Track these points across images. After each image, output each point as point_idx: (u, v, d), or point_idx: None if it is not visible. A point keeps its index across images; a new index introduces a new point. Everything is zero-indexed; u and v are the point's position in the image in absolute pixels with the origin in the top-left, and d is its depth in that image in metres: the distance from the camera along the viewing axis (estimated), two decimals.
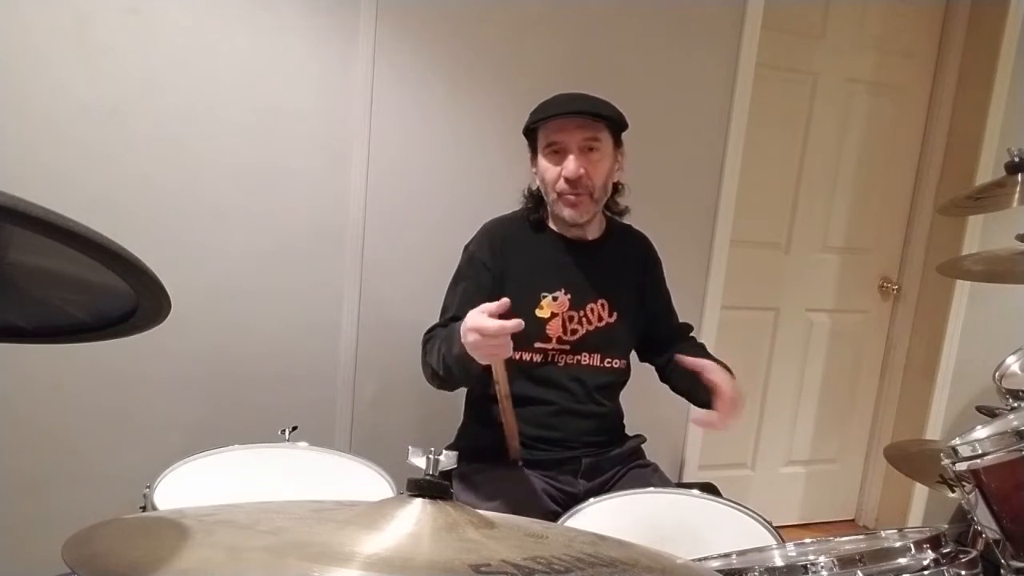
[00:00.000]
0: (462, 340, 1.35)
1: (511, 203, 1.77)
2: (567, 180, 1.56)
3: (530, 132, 1.65)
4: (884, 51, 2.82)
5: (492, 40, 2.18)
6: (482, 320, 1.31)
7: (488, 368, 1.47)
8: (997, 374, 2.05)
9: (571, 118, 1.56)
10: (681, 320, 1.86)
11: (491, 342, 1.32)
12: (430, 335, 1.60)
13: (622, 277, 1.71)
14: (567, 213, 1.61)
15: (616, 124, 1.61)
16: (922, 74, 2.90)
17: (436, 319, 1.68)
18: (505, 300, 1.34)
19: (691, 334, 1.85)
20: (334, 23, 2.03)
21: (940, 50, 2.88)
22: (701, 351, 1.73)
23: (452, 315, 1.62)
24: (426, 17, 2.11)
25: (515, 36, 2.20)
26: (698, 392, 1.57)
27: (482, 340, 1.32)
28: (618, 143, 1.64)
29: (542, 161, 1.62)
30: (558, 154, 1.58)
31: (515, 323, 1.30)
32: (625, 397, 1.79)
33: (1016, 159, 1.93)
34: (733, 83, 2.46)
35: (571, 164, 1.55)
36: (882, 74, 2.84)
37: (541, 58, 2.23)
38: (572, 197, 1.59)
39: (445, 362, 1.45)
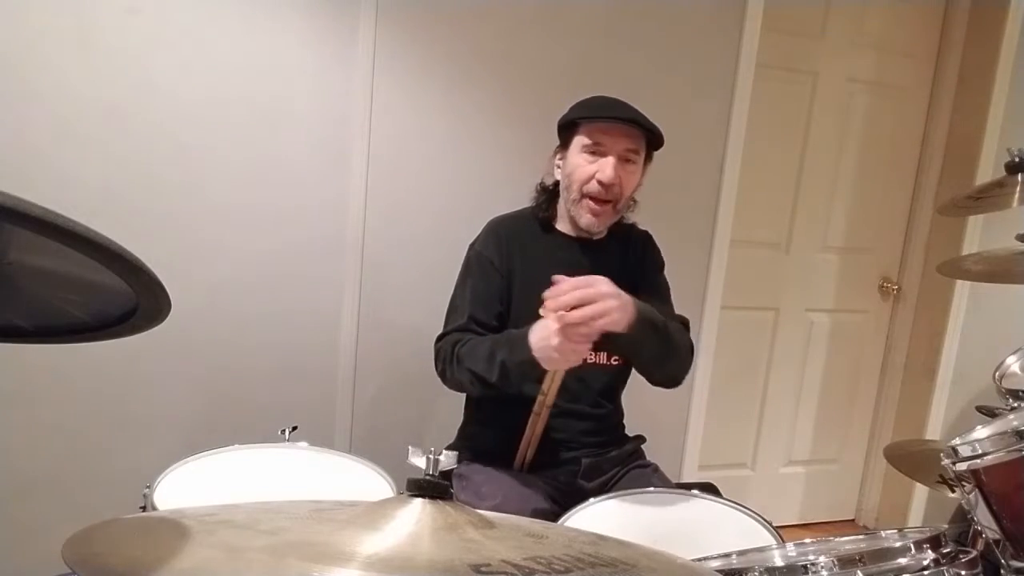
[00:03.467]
0: (531, 345, 1.36)
1: (511, 202, 1.76)
2: (600, 183, 1.54)
3: (566, 125, 1.62)
4: (884, 51, 2.82)
5: (492, 40, 2.18)
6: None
7: (541, 377, 1.47)
8: (997, 374, 2.05)
9: (620, 124, 1.54)
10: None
11: (577, 346, 1.34)
12: (456, 340, 1.56)
13: (624, 275, 1.68)
14: (586, 220, 1.59)
15: (655, 142, 1.60)
16: (922, 74, 2.90)
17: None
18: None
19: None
20: (334, 23, 2.03)
21: (940, 50, 2.88)
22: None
23: (468, 315, 1.59)
24: (426, 17, 2.11)
25: (515, 36, 2.20)
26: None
27: (566, 343, 1.33)
28: (648, 160, 1.63)
29: (575, 158, 1.58)
30: (596, 155, 1.56)
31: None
32: (625, 397, 1.79)
33: (1016, 159, 1.93)
34: (733, 83, 2.46)
35: (609, 169, 1.53)
36: (882, 74, 2.84)
37: (541, 58, 2.23)
38: (597, 205, 1.57)
39: (504, 368, 1.43)
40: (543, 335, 1.36)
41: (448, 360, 1.56)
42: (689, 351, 1.61)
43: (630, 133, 1.55)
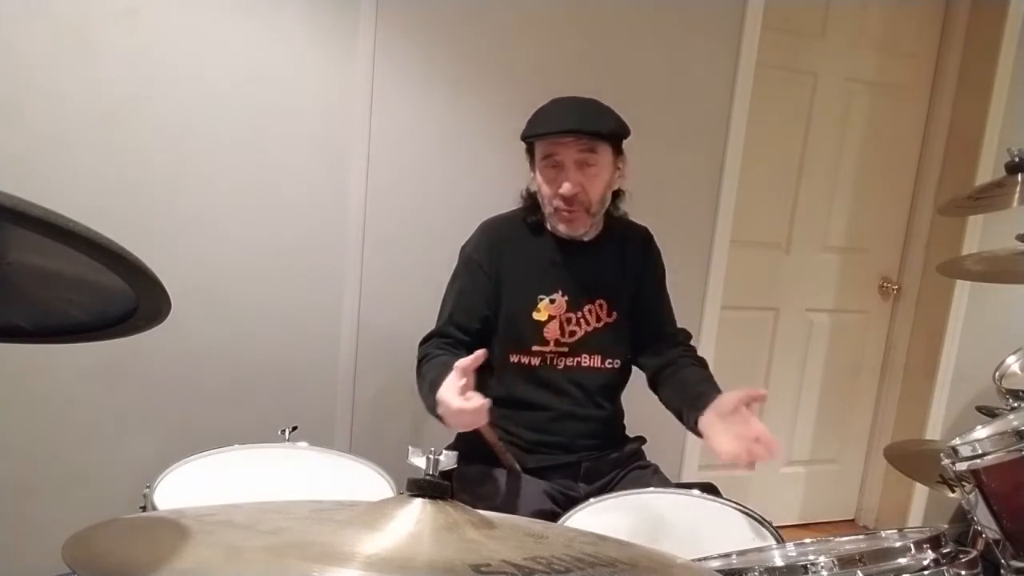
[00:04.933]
0: (437, 399, 1.37)
1: (511, 203, 1.76)
2: (563, 197, 1.55)
3: (527, 143, 1.64)
4: (884, 51, 2.82)
5: (492, 40, 2.18)
6: (449, 399, 1.33)
7: None
8: (997, 374, 2.05)
9: (562, 136, 1.54)
10: (681, 326, 1.78)
11: (460, 420, 1.35)
12: (425, 353, 1.59)
13: (622, 275, 1.69)
14: (562, 228, 1.61)
15: (613, 136, 1.58)
16: (922, 74, 2.90)
17: (436, 319, 1.69)
18: (479, 352, 1.36)
19: (690, 342, 1.74)
20: (334, 23, 2.03)
21: (940, 50, 2.88)
22: (702, 368, 1.64)
23: (448, 320, 1.63)
24: (426, 17, 2.11)
25: (515, 36, 2.20)
26: (692, 413, 1.45)
27: (451, 416, 1.34)
28: (618, 152, 1.61)
29: (539, 174, 1.60)
30: (555, 168, 1.56)
31: (479, 405, 1.32)
32: (625, 398, 1.79)
33: (1016, 159, 1.93)
34: (733, 83, 2.46)
35: (567, 184, 1.53)
36: (882, 74, 2.84)
37: (541, 58, 2.23)
38: (567, 213, 1.57)
39: (429, 405, 1.46)
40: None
41: (417, 370, 1.60)
42: None
43: (580, 138, 1.53)
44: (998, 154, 2.59)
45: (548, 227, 1.68)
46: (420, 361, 1.59)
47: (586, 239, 1.66)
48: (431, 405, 1.44)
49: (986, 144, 2.73)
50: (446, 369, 1.40)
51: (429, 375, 1.51)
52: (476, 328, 1.62)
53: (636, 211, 1.76)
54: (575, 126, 1.53)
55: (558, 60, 2.24)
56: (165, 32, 1.89)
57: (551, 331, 1.62)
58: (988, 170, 2.70)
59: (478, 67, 2.18)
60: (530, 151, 1.65)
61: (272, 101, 2.01)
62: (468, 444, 1.70)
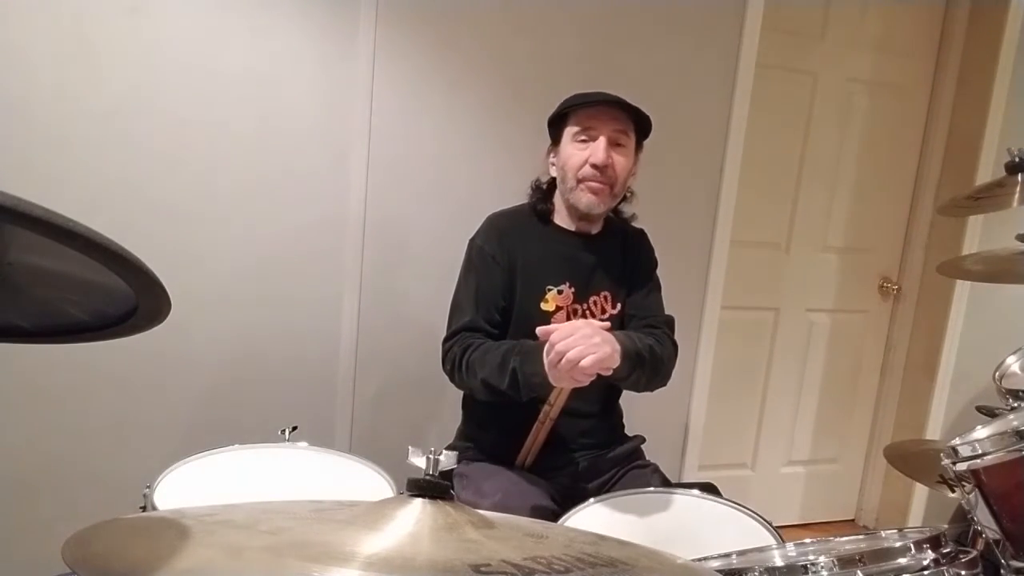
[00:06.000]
0: (545, 360, 1.33)
1: (512, 201, 1.76)
2: (594, 166, 1.56)
3: (555, 121, 1.65)
4: (884, 51, 2.82)
5: (492, 40, 2.18)
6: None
7: (550, 389, 1.46)
8: (997, 374, 2.05)
9: (605, 107, 1.57)
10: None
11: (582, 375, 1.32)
12: (467, 344, 1.55)
13: (622, 270, 1.70)
14: (586, 200, 1.59)
15: (643, 125, 1.62)
16: (922, 74, 2.90)
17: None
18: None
19: (658, 329, 1.66)
20: (334, 23, 2.03)
21: (940, 50, 2.88)
22: (647, 335, 1.58)
23: (474, 314, 1.59)
24: (426, 17, 2.11)
25: (515, 36, 2.21)
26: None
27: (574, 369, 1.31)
28: (639, 147, 1.65)
29: (567, 148, 1.61)
30: (586, 141, 1.58)
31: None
32: (625, 397, 1.79)
33: (1016, 159, 1.93)
34: (733, 83, 2.46)
35: (600, 151, 1.55)
36: (882, 74, 2.84)
37: (541, 58, 2.23)
38: (596, 184, 1.58)
39: (515, 376, 1.42)
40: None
41: (457, 365, 1.55)
42: (672, 357, 1.62)
43: (617, 116, 1.57)
44: (998, 154, 2.59)
45: (555, 218, 1.68)
46: (464, 352, 1.54)
47: (593, 232, 1.67)
48: (523, 365, 1.41)
49: (986, 144, 2.73)
50: (518, 343, 1.45)
51: (496, 352, 1.48)
52: (498, 320, 1.61)
53: (636, 207, 1.77)
54: (621, 101, 1.57)
55: (558, 60, 2.24)
56: (166, 30, 1.89)
57: (559, 321, 1.59)
58: (988, 170, 2.70)
59: (477, 67, 2.18)
60: (556, 133, 1.66)
61: (273, 100, 2.01)
62: (468, 444, 1.71)
